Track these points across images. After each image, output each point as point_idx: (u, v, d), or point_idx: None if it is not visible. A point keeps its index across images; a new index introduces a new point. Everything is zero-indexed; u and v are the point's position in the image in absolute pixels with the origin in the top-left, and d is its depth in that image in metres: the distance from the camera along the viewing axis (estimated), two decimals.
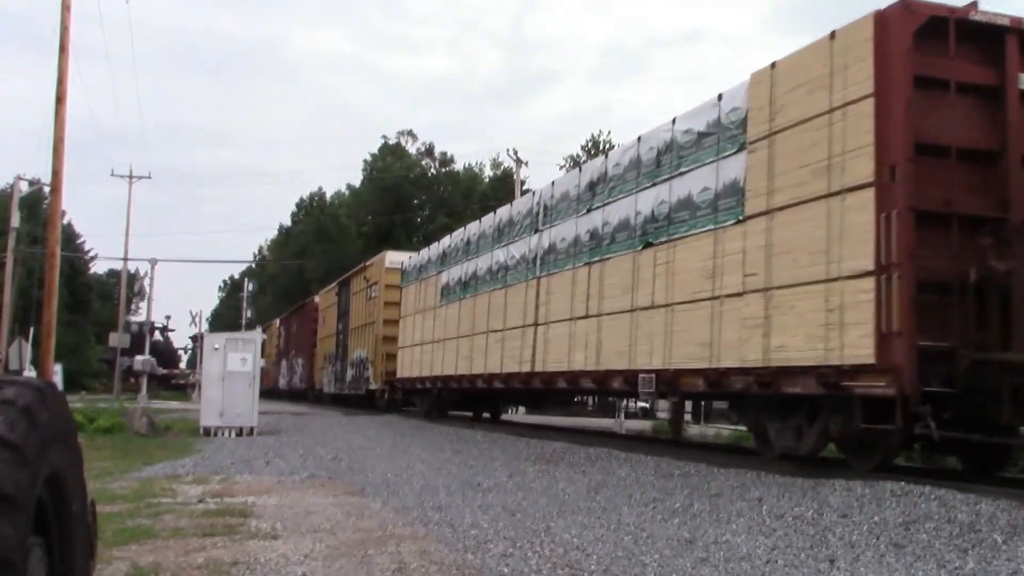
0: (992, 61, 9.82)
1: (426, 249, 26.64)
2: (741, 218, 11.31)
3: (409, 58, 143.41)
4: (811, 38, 10.70)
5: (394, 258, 29.86)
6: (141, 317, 67.32)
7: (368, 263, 32.32)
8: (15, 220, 36.97)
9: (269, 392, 55.19)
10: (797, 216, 10.32)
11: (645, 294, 13.43)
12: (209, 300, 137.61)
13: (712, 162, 12.04)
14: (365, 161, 74.05)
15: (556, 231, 16.80)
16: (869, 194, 9.30)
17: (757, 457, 12.04)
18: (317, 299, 43.38)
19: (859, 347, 9.19)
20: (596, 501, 8.75)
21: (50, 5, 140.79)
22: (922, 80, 9.40)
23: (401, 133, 74.06)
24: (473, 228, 22.14)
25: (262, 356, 22.89)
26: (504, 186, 58.41)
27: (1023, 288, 9.07)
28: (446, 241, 24.23)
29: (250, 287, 72.82)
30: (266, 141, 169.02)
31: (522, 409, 32.82)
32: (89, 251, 70.15)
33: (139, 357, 43.62)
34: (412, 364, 25.77)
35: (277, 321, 56.58)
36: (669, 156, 13.20)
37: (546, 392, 18.72)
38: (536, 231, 17.67)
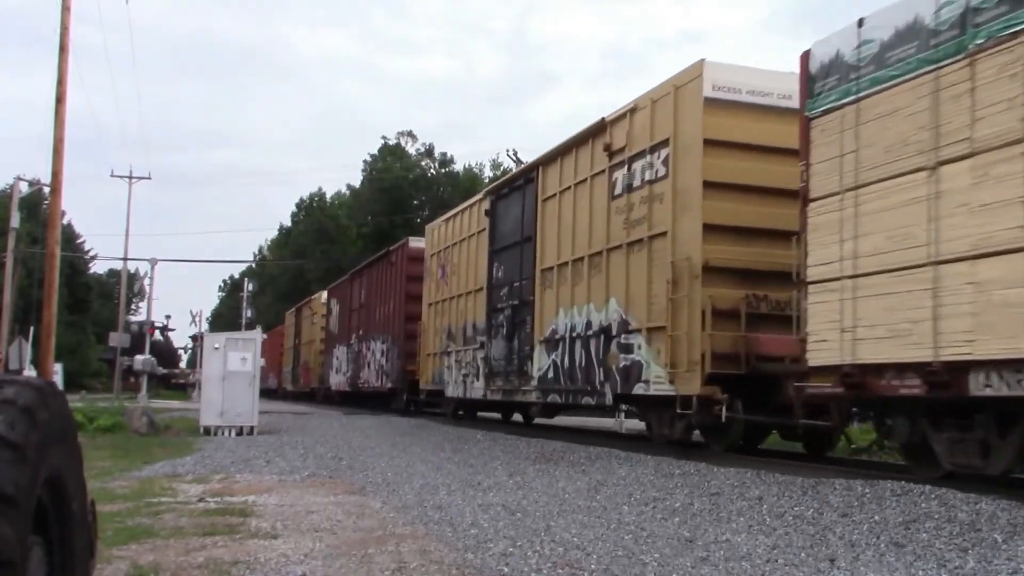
0: None
1: None
2: None
3: (410, 59, 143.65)
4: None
5: (726, 79, 12.52)
6: (141, 317, 67.51)
7: (616, 114, 14.60)
8: (15, 220, 36.96)
9: (310, 395, 43.94)
10: None
11: None
12: (209, 300, 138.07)
13: None
14: (365, 162, 74.32)
15: None
16: None
17: (757, 457, 11.83)
18: (418, 243, 26.62)
19: None
20: (596, 500, 8.75)
21: (50, 5, 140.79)
22: None
23: (401, 134, 74.29)
24: None
25: (262, 356, 22.71)
26: None
27: None
28: None
29: (250, 287, 72.89)
30: (266, 141, 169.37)
31: None
32: (89, 251, 70.28)
33: (139, 357, 43.65)
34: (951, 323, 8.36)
35: (323, 295, 41.54)
36: None
37: None
38: None
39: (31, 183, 41.81)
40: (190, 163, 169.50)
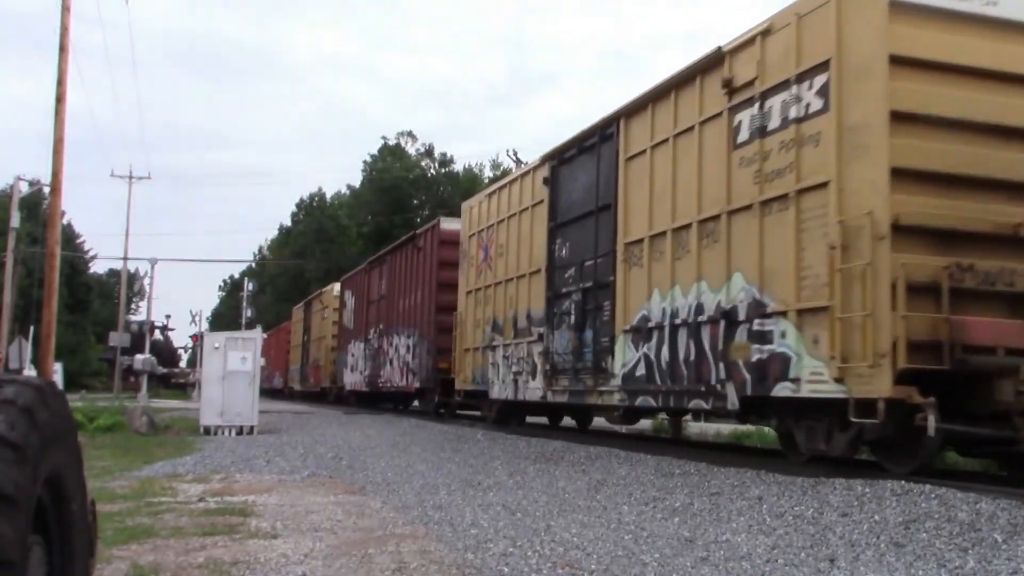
0: None
1: None
2: None
3: (410, 59, 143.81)
4: None
5: None
6: (141, 317, 67.57)
7: (740, 41, 11.61)
8: (15, 220, 36.99)
9: (320, 395, 40.64)
10: None
11: None
12: (209, 300, 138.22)
13: None
14: (365, 162, 74.38)
15: None
16: None
17: (757, 456, 11.67)
18: (451, 224, 23.49)
19: None
20: (596, 500, 8.75)
21: (50, 5, 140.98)
22: None
23: (401, 134, 74.34)
24: None
25: (262, 355, 22.68)
26: None
27: None
28: None
29: (250, 287, 72.89)
30: (266, 141, 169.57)
31: None
32: (89, 251, 70.37)
33: (139, 356, 43.68)
34: None
35: (335, 287, 38.22)
36: None
37: None
38: None
39: (31, 183, 41.83)
40: (190, 163, 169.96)
